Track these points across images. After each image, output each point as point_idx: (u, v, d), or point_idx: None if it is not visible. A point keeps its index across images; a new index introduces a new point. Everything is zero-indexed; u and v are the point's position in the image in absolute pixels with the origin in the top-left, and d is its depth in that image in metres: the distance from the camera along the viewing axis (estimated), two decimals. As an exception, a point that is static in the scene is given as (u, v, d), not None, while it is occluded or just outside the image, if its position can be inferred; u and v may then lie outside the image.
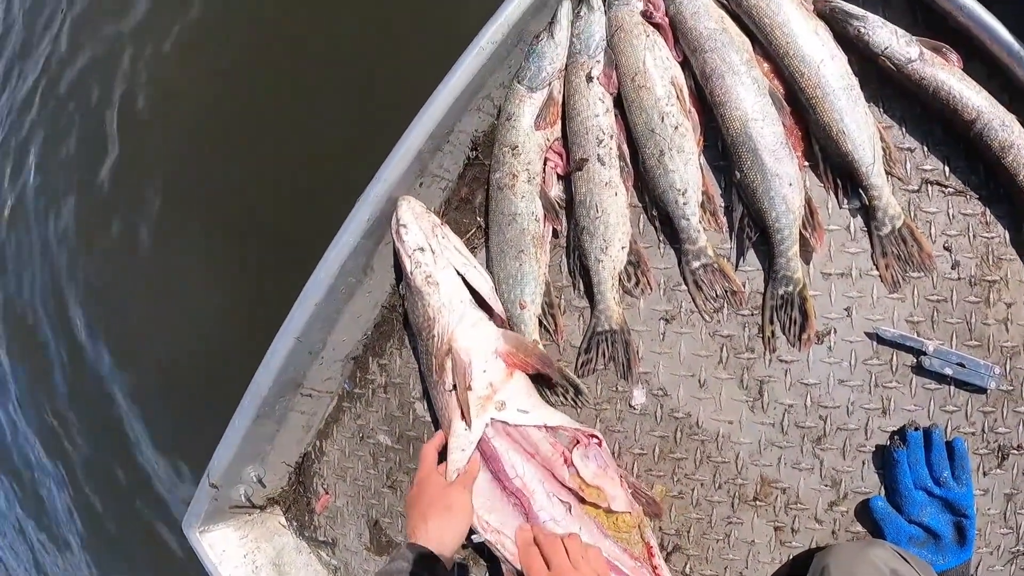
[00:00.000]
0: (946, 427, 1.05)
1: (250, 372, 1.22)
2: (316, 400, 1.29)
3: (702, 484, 1.11)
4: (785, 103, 1.06)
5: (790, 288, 1.06)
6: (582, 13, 1.11)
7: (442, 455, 1.10)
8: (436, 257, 1.08)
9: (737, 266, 1.09)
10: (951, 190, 1.05)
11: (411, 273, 1.09)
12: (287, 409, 1.27)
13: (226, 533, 1.33)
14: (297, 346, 1.19)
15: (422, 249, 1.08)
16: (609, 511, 1.04)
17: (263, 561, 1.34)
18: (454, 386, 1.06)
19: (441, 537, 0.99)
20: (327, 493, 1.33)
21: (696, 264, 1.09)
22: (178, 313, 2.31)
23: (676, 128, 1.06)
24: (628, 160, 1.10)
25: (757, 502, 1.09)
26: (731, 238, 1.09)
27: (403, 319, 1.23)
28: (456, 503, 1.02)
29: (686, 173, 1.06)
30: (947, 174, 1.05)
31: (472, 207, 1.20)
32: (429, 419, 1.23)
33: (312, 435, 1.32)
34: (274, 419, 1.26)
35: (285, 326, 1.19)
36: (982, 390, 1.04)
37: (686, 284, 1.11)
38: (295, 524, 1.37)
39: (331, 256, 1.15)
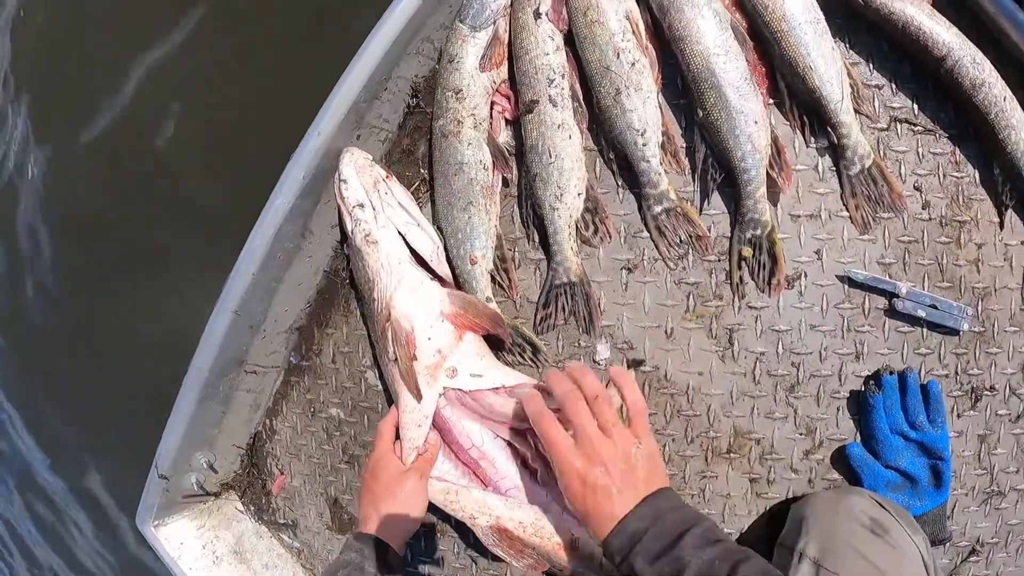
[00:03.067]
0: (920, 370, 1.03)
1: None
2: (262, 377, 1.20)
3: (673, 439, 1.06)
4: (748, 38, 0.99)
5: (758, 231, 1.00)
6: (526, -57, 1.02)
7: (399, 431, 1.03)
8: (377, 214, 0.99)
9: (701, 210, 1.03)
10: (920, 129, 1.01)
11: (351, 232, 1.01)
12: (232, 389, 1.18)
13: (182, 524, 1.26)
14: (236, 320, 1.10)
15: (362, 206, 1.00)
16: None
17: (224, 550, 1.28)
18: (395, 358, 0.99)
19: (394, 528, 0.94)
20: (282, 474, 1.25)
21: (658, 209, 1.02)
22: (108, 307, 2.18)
23: (633, 65, 0.98)
24: (582, 100, 1.02)
25: (731, 454, 1.05)
26: (694, 180, 1.02)
27: (349, 281, 1.14)
28: (412, 492, 0.96)
29: (645, 112, 0.99)
30: (916, 112, 1.01)
31: (415, 158, 1.11)
32: (382, 388, 1.15)
33: (261, 414, 1.24)
34: (219, 400, 1.18)
35: (221, 300, 1.09)
36: (955, 332, 1.02)
37: (648, 230, 1.04)
38: (253, 508, 1.30)
39: (265, 220, 1.06)
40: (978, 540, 1.08)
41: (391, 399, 1.09)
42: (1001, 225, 1.01)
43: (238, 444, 1.26)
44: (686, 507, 0.80)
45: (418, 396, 0.97)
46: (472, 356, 0.99)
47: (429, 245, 1.02)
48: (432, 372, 0.98)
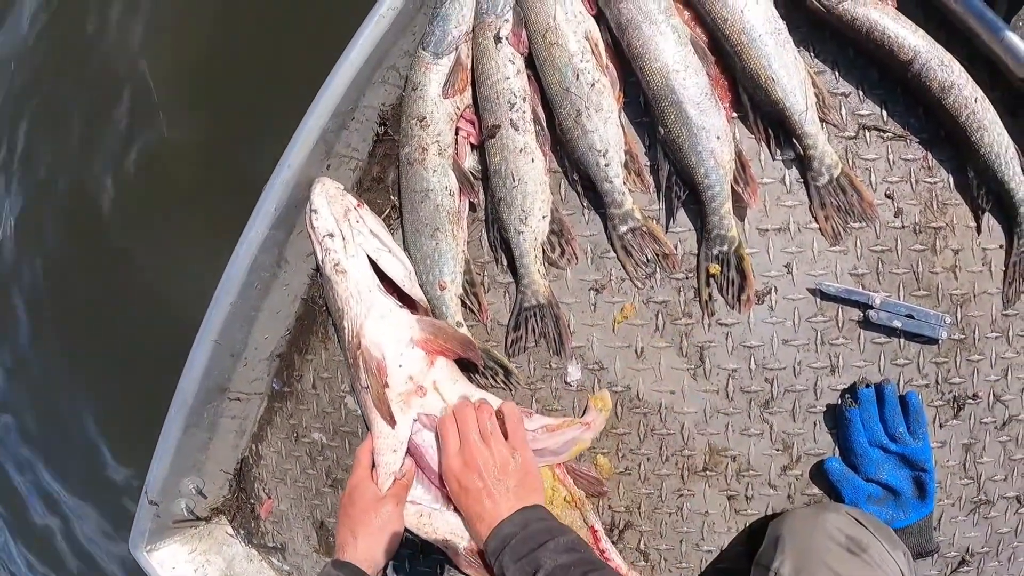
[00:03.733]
0: (898, 381, 1.02)
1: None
2: (245, 403, 1.22)
3: (648, 458, 1.06)
4: (709, 52, 0.99)
5: (725, 247, 1.00)
6: (486, -31, 1.03)
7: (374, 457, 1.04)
8: (347, 243, 1.01)
9: (668, 228, 1.03)
10: (890, 135, 1.00)
11: (322, 261, 1.02)
12: (217, 415, 1.21)
13: (174, 549, 1.28)
14: (217, 349, 1.13)
15: (332, 235, 1.01)
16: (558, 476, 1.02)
17: (215, 574, 1.30)
18: (367, 386, 1.00)
19: (371, 555, 0.95)
20: (269, 498, 1.27)
21: (623, 228, 1.02)
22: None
23: (592, 85, 0.99)
24: (544, 123, 1.02)
25: (707, 472, 1.05)
26: (659, 198, 1.02)
27: (325, 308, 1.16)
28: (389, 519, 0.97)
29: (606, 132, 0.99)
30: (885, 118, 1.00)
31: (385, 186, 1.12)
32: (360, 413, 1.17)
33: (246, 439, 1.26)
34: (204, 427, 1.20)
35: (202, 330, 1.12)
36: (933, 341, 1.00)
37: (614, 250, 1.04)
38: (242, 532, 1.32)
39: (241, 251, 1.08)
40: (967, 550, 1.06)
41: (368, 425, 1.10)
42: (978, 229, 1.00)
43: (225, 469, 1.28)
44: (555, 521, 0.90)
45: (391, 422, 0.98)
46: (445, 381, 1.00)
47: (401, 271, 1.03)
48: (405, 399, 0.99)
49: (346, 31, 1.04)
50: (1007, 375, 1.01)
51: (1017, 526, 1.05)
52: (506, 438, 0.95)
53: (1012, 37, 0.91)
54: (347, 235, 1.01)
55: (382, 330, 0.98)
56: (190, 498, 1.26)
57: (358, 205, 1.07)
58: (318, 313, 1.18)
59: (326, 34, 1.11)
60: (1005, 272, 1.00)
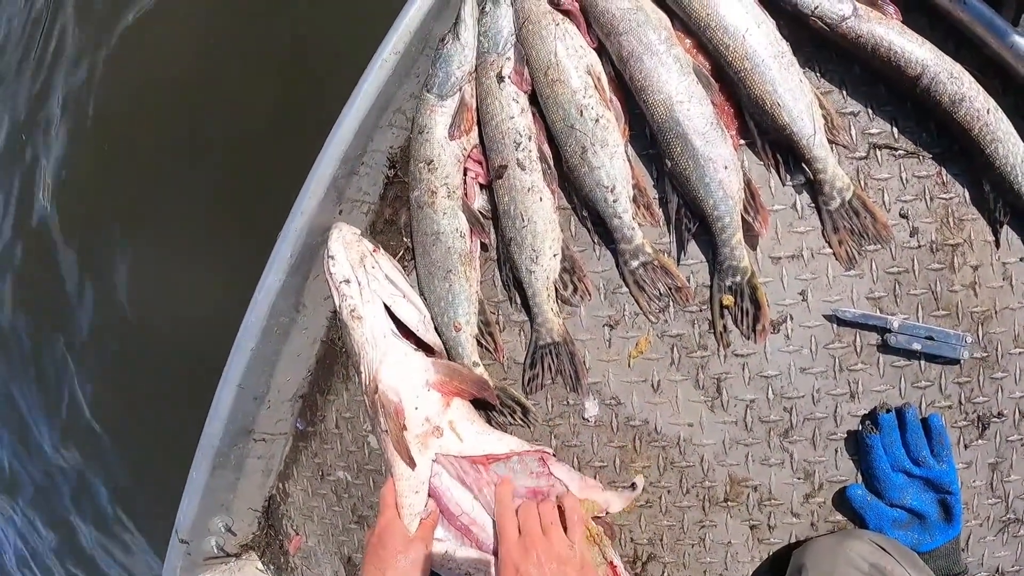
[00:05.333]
0: (920, 403, 1.00)
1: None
2: (271, 443, 1.25)
3: (669, 491, 1.06)
4: (712, 80, 0.98)
5: (738, 278, 0.99)
6: (487, 8, 1.04)
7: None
8: (362, 289, 1.02)
9: (679, 260, 1.03)
10: (902, 152, 0.98)
11: (339, 307, 1.04)
12: (243, 456, 1.23)
13: (206, 586, 1.32)
14: (240, 393, 1.15)
15: (348, 281, 1.03)
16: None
17: (247, 607, 1.33)
18: (387, 428, 1.01)
19: None
20: (297, 534, 1.30)
21: (635, 263, 1.02)
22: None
23: (597, 121, 0.99)
24: (550, 161, 1.03)
25: (728, 503, 1.04)
26: (669, 231, 1.02)
27: (344, 350, 1.18)
28: (417, 560, 0.98)
29: (612, 168, 0.99)
30: (896, 136, 0.98)
31: (398, 227, 1.14)
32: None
33: (273, 478, 1.29)
34: (231, 468, 1.23)
35: (225, 375, 1.15)
36: (955, 361, 0.99)
37: (627, 285, 1.04)
38: (272, 568, 1.34)
39: (259, 298, 1.10)
40: (997, 570, 1.04)
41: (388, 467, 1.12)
42: (997, 244, 0.97)
43: (254, 507, 1.31)
44: None
45: (411, 464, 0.99)
46: (461, 421, 1.01)
47: (415, 316, 1.05)
48: (423, 440, 1.00)
49: (353, 73, 1.05)
50: (1034, 391, 0.98)
51: (1048, 544, 1.03)
52: (565, 531, 0.96)
53: (1021, 41, 0.89)
54: (363, 281, 1.03)
55: (398, 374, 1.00)
56: (220, 536, 1.29)
57: (374, 250, 1.08)
58: (338, 354, 1.20)
59: (332, 80, 1.12)
60: (1028, 286, 0.97)
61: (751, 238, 1.00)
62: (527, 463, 1.02)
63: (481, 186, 1.08)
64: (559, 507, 0.98)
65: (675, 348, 1.04)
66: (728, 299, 1.00)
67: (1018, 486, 1.01)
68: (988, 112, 0.92)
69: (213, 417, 1.17)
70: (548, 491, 1.01)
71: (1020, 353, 0.99)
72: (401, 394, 0.99)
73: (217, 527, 1.28)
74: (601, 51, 1.01)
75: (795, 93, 0.94)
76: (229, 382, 1.15)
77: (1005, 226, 0.97)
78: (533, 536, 0.92)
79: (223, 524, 1.28)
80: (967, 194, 0.98)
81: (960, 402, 1.00)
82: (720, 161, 0.96)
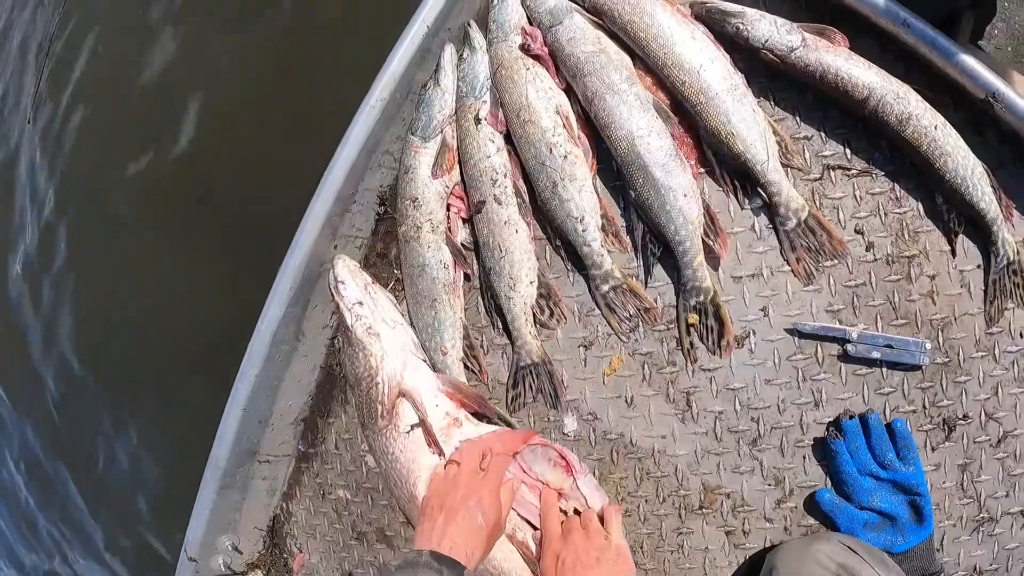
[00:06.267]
0: (884, 409, 1.05)
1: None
2: (274, 465, 1.32)
3: (646, 500, 1.12)
4: (672, 113, 1.06)
5: (702, 298, 1.06)
6: (465, 55, 1.13)
7: None
8: (373, 310, 1.11)
9: (647, 283, 1.10)
10: (855, 171, 1.04)
11: (351, 326, 1.09)
12: (248, 477, 1.31)
13: (213, 602, 1.38)
14: (245, 417, 1.23)
15: (361, 303, 1.10)
16: None
17: (253, 623, 1.38)
18: (411, 427, 1.08)
19: (466, 545, 0.90)
20: (301, 552, 1.36)
21: (605, 287, 1.10)
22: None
23: (566, 157, 1.07)
24: (525, 196, 1.11)
25: (704, 510, 1.10)
26: (636, 257, 1.10)
27: (342, 375, 1.26)
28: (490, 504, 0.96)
29: (581, 200, 1.07)
30: (849, 156, 1.04)
31: (388, 260, 1.22)
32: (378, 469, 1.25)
33: (277, 498, 1.36)
34: (237, 488, 1.30)
35: (231, 400, 1.23)
36: (916, 367, 1.03)
37: (599, 308, 1.12)
38: (278, 585, 1.41)
39: (262, 328, 1.19)
40: (975, 568, 1.06)
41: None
42: (953, 252, 1.02)
43: (259, 526, 1.37)
44: None
45: (440, 452, 1.06)
46: (474, 416, 1.11)
47: (414, 339, 1.14)
48: (446, 431, 1.07)
49: (342, 117, 1.14)
50: (998, 392, 1.02)
51: (1025, 540, 1.05)
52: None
53: (966, 60, 0.94)
54: (370, 303, 1.11)
55: (417, 379, 1.08)
56: (227, 554, 1.35)
57: (372, 282, 1.16)
58: (337, 380, 1.27)
59: (322, 127, 1.22)
60: (985, 291, 1.01)
61: (713, 260, 1.06)
62: (548, 453, 1.07)
63: (463, 220, 1.16)
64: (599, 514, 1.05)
65: (646, 365, 1.10)
66: (693, 318, 1.07)
67: (989, 486, 1.04)
68: (936, 128, 0.96)
69: (220, 440, 1.25)
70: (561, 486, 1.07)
71: (982, 356, 1.02)
72: (422, 395, 1.07)
73: (224, 545, 1.34)
74: (569, 92, 1.10)
75: (748, 123, 1.01)
76: (234, 406, 1.23)
77: (960, 235, 1.01)
78: (575, 531, 0.99)
79: (230, 543, 1.35)
80: (921, 207, 1.02)
81: (924, 406, 1.04)
82: (680, 190, 1.04)
